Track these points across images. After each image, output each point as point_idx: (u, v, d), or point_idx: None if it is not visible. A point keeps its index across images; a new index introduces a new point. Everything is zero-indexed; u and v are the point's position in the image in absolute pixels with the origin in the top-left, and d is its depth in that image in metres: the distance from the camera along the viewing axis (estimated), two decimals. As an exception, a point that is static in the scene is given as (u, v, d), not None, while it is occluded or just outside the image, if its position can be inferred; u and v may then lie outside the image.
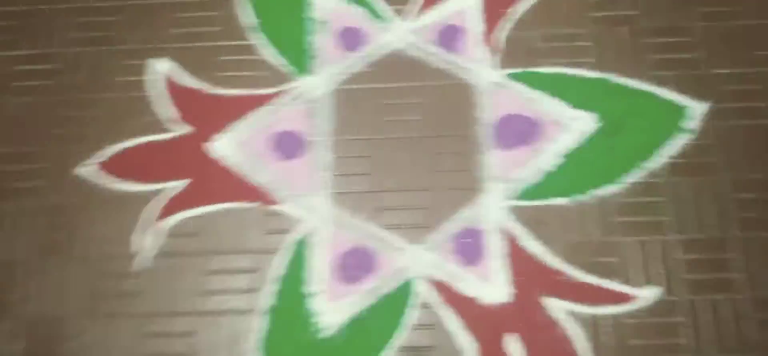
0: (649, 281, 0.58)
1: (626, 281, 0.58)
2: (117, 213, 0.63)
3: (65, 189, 0.65)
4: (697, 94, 0.63)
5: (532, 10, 0.68)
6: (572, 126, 0.63)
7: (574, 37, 0.66)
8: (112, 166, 0.65)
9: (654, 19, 0.67)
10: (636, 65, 0.65)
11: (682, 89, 0.64)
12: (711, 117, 0.63)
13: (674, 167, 0.60)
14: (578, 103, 0.64)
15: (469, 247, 0.60)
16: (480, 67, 0.66)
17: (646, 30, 0.66)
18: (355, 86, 0.67)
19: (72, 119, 0.67)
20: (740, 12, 0.66)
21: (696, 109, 0.63)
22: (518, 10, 0.68)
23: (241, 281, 0.60)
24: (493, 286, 0.58)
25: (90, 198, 0.64)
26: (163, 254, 0.62)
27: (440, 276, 0.59)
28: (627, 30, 0.66)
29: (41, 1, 0.72)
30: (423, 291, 0.59)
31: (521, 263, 0.59)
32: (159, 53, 0.69)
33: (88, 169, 0.65)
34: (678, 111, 0.63)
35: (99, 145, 0.66)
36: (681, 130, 0.61)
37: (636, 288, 0.58)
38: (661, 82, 0.64)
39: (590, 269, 0.59)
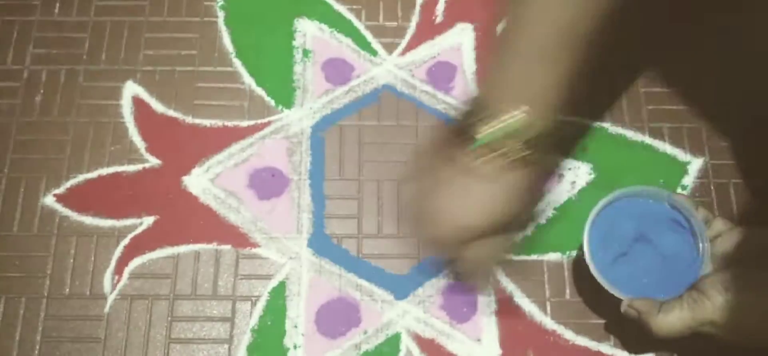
0: (641, 346, 0.55)
1: (618, 345, 0.56)
2: (75, 250, 0.58)
3: (18, 220, 0.59)
4: (695, 149, 0.62)
5: (526, 51, 0.66)
6: (565, 177, 0.61)
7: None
8: (72, 198, 0.60)
9: (652, 68, 0.65)
10: (633, 115, 0.63)
11: (679, 143, 0.62)
12: (709, 173, 0.61)
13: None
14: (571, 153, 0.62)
15: (456, 302, 0.57)
16: (471, 109, 0.63)
17: (644, 79, 0.65)
18: (339, 122, 0.63)
19: (29, 143, 0.62)
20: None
21: (694, 165, 0.61)
22: (512, 51, 0.66)
23: (213, 330, 0.56)
24: (482, 345, 0.55)
25: (46, 232, 0.59)
26: (126, 297, 0.57)
27: (428, 333, 0.56)
28: (624, 78, 0.64)
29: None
30: (409, 349, 0.55)
31: (511, 321, 0.56)
32: (128, 76, 0.64)
33: (46, 200, 0.60)
34: (677, 166, 0.61)
35: (59, 174, 0.61)
36: (680, 186, 0.59)
37: (628, 353, 0.55)
38: (658, 134, 0.63)
39: (581, 330, 0.56)
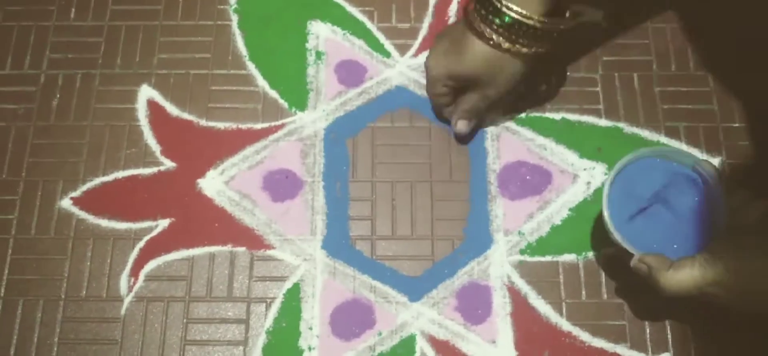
0: (657, 347, 0.55)
1: (635, 346, 0.55)
2: (92, 253, 0.59)
3: (35, 223, 0.60)
4: (711, 147, 0.61)
5: (540, 51, 0.65)
6: (581, 177, 0.60)
7: (584, 82, 0.64)
8: (89, 201, 0.60)
9: (668, 67, 0.64)
10: (648, 114, 0.63)
11: (696, 142, 0.62)
12: (725, 172, 0.60)
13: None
14: (587, 153, 0.61)
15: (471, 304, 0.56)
16: (485, 110, 0.63)
17: (660, 78, 0.64)
18: (353, 124, 0.63)
19: (45, 147, 0.62)
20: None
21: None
22: (525, 51, 0.65)
23: (228, 332, 0.56)
24: (497, 347, 0.55)
25: (63, 235, 0.59)
26: (142, 299, 0.57)
27: (442, 334, 0.56)
28: (638, 77, 0.64)
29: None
30: (424, 350, 0.55)
31: (527, 323, 0.56)
32: (143, 80, 0.65)
33: (63, 203, 0.60)
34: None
35: (75, 178, 0.61)
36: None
37: (643, 354, 0.55)
38: (674, 133, 0.62)
39: (597, 332, 0.56)
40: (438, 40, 0.57)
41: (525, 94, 0.62)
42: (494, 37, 0.50)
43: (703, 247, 0.49)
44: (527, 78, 0.56)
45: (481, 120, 0.60)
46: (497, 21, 0.49)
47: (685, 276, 0.47)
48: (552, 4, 0.50)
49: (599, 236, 0.58)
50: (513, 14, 0.49)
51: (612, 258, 0.57)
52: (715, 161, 0.61)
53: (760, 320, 0.50)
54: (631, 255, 0.50)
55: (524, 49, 0.51)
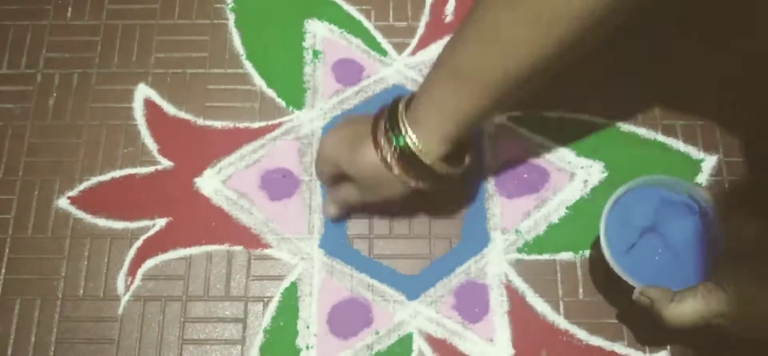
0: (653, 345, 0.55)
1: (632, 344, 0.55)
2: (89, 252, 0.59)
3: (32, 222, 0.60)
4: (709, 146, 0.61)
5: (537, 50, 0.65)
6: (578, 175, 0.61)
7: (580, 81, 0.64)
8: (86, 201, 0.60)
9: (665, 66, 0.64)
10: (645, 113, 0.63)
11: (693, 140, 0.62)
12: (723, 171, 0.60)
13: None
14: (584, 151, 0.61)
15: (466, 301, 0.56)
16: (482, 108, 0.63)
17: (657, 76, 0.64)
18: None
19: (42, 147, 0.62)
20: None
21: (708, 163, 0.61)
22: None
23: (225, 331, 0.56)
24: (494, 346, 0.55)
25: (60, 234, 0.59)
26: (140, 299, 0.57)
27: (440, 333, 0.56)
28: (637, 76, 0.64)
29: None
30: (421, 349, 0.55)
31: (524, 321, 0.56)
32: (140, 79, 0.65)
33: (60, 203, 0.60)
34: (691, 164, 0.61)
35: (72, 177, 0.61)
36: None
37: (640, 353, 0.55)
38: (671, 132, 0.62)
39: (594, 330, 0.56)
40: (343, 124, 0.53)
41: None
42: (388, 157, 0.48)
43: (704, 275, 0.49)
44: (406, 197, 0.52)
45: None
46: (395, 142, 0.47)
47: (688, 308, 0.46)
48: (451, 149, 0.48)
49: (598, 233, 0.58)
50: (411, 146, 0.47)
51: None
52: (714, 159, 0.61)
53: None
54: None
55: (412, 182, 0.49)
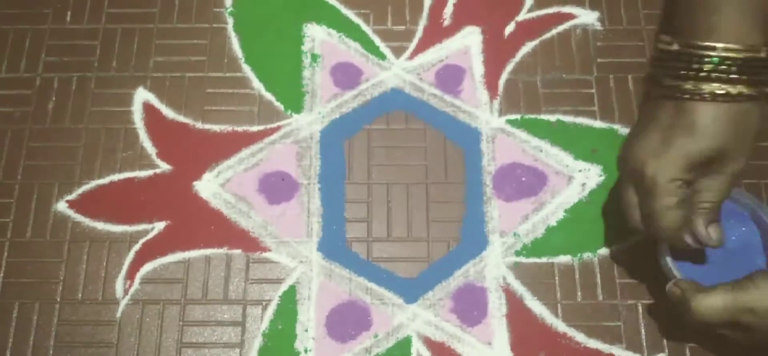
0: (651, 348, 0.55)
1: (630, 347, 0.55)
2: (87, 256, 0.59)
3: (31, 226, 0.60)
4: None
5: (534, 54, 0.66)
6: (576, 178, 0.61)
7: (578, 84, 0.64)
8: (85, 204, 0.60)
9: (661, 70, 0.64)
10: (642, 117, 0.63)
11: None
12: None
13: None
14: (582, 154, 0.62)
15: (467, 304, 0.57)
16: (480, 112, 0.63)
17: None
18: (349, 126, 0.63)
19: (41, 150, 0.62)
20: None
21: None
22: (520, 54, 0.65)
23: (224, 334, 0.56)
24: (493, 349, 0.55)
25: (59, 238, 0.59)
26: (138, 302, 0.57)
27: (438, 336, 0.56)
28: (633, 79, 0.64)
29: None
30: (420, 352, 0.55)
31: (522, 324, 0.56)
32: (139, 82, 0.65)
33: (58, 206, 0.60)
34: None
35: (71, 181, 0.61)
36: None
37: (638, 355, 0.55)
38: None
39: (592, 333, 0.56)
40: (633, 147, 0.46)
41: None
42: (730, 88, 0.39)
43: None
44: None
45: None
46: (710, 66, 0.40)
47: (716, 299, 0.45)
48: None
49: (596, 236, 0.58)
50: (733, 54, 0.39)
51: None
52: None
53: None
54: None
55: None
